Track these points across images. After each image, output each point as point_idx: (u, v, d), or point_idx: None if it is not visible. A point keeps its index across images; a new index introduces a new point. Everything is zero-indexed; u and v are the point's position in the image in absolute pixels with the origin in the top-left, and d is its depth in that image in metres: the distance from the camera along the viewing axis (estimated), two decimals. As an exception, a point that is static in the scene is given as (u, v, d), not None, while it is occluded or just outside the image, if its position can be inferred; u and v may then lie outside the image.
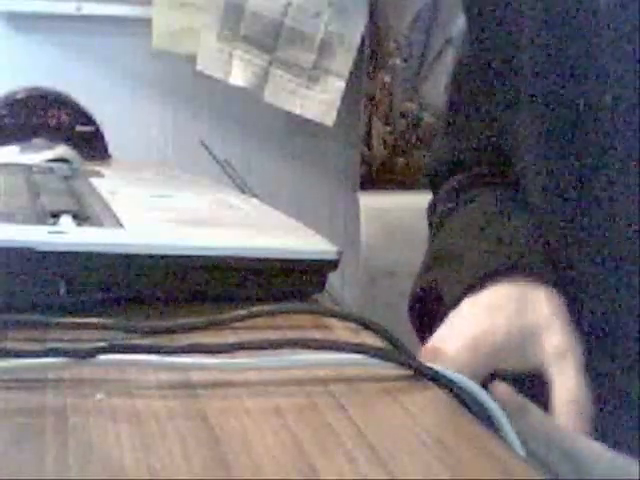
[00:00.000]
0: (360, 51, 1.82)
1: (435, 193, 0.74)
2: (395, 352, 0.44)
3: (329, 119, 1.79)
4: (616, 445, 0.52)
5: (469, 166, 0.71)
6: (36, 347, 0.40)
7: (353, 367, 0.43)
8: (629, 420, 0.54)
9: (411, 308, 0.66)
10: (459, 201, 0.69)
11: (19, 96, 1.27)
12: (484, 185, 0.69)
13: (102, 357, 0.40)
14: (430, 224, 0.73)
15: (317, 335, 0.47)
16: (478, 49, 0.67)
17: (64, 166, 0.89)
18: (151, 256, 0.50)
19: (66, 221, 0.52)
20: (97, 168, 0.89)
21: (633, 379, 0.55)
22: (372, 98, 1.89)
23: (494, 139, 0.67)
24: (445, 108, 0.74)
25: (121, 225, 0.54)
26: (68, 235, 0.49)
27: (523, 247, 0.60)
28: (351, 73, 1.79)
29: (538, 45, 0.58)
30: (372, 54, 1.87)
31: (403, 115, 1.90)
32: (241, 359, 0.41)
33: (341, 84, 1.79)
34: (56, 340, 0.43)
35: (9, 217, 0.53)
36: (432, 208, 0.73)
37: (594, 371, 0.54)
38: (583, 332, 0.55)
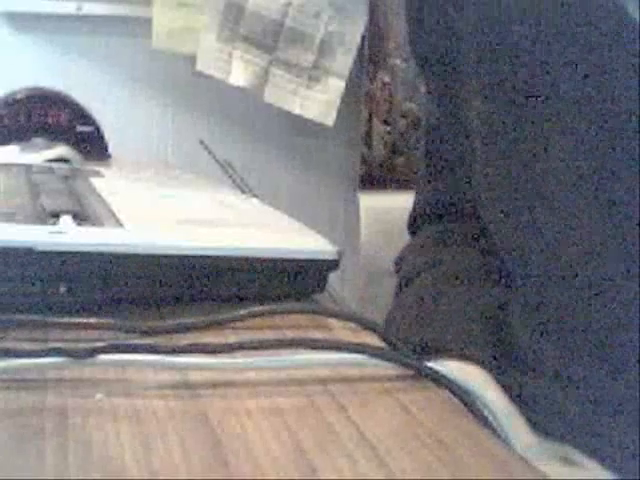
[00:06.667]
0: (360, 51, 1.82)
1: (411, 237, 0.78)
2: (395, 352, 0.44)
3: (329, 119, 1.79)
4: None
5: (443, 217, 0.75)
6: (36, 347, 0.40)
7: (353, 367, 0.43)
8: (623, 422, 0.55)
9: None
10: (421, 264, 0.73)
11: (19, 96, 1.27)
12: (447, 246, 0.73)
13: (102, 357, 0.40)
14: (397, 273, 0.77)
15: (317, 335, 0.47)
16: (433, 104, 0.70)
17: (64, 166, 0.89)
18: (151, 256, 0.50)
19: (66, 221, 0.52)
20: (97, 168, 0.89)
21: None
22: (372, 98, 1.89)
23: (464, 191, 0.70)
24: (423, 156, 0.78)
25: (121, 225, 0.54)
26: (68, 235, 0.49)
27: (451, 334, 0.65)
28: (351, 73, 1.79)
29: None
30: (372, 54, 1.87)
31: (403, 115, 1.90)
32: (241, 359, 0.41)
33: (341, 84, 1.79)
34: (56, 340, 0.43)
35: (9, 217, 0.53)
36: (401, 259, 0.77)
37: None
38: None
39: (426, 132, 0.77)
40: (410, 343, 0.64)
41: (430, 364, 0.43)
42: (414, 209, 0.79)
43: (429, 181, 0.77)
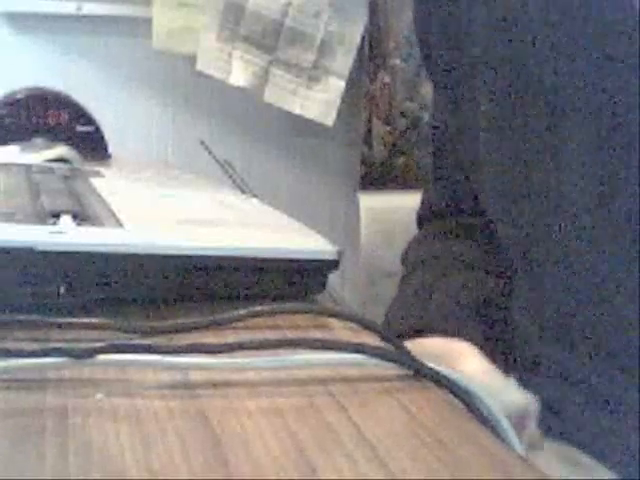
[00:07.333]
0: (360, 51, 1.82)
1: (419, 231, 0.80)
2: (395, 352, 0.44)
3: (329, 119, 1.79)
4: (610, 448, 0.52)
5: (449, 213, 0.75)
6: (36, 347, 0.40)
7: (353, 367, 0.43)
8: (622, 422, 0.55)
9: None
10: (424, 255, 0.75)
11: (19, 96, 1.27)
12: (449, 239, 0.74)
13: (102, 357, 0.40)
14: (403, 265, 0.78)
15: (317, 335, 0.47)
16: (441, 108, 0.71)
17: (64, 166, 0.89)
18: (151, 256, 0.50)
19: (66, 221, 0.52)
20: (97, 168, 0.89)
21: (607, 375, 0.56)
22: (372, 98, 1.89)
23: (469, 189, 0.71)
24: (431, 154, 0.78)
25: (121, 225, 0.54)
26: (68, 235, 0.49)
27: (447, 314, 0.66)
28: (351, 73, 1.79)
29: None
30: (372, 54, 1.87)
31: (403, 115, 1.90)
32: (241, 359, 0.41)
33: (341, 84, 1.79)
34: (56, 340, 0.43)
35: (9, 217, 0.53)
36: (406, 252, 0.78)
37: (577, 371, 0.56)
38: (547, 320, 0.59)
39: (433, 131, 0.77)
40: (404, 330, 0.65)
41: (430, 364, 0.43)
42: (422, 206, 0.79)
43: (436, 179, 0.77)
